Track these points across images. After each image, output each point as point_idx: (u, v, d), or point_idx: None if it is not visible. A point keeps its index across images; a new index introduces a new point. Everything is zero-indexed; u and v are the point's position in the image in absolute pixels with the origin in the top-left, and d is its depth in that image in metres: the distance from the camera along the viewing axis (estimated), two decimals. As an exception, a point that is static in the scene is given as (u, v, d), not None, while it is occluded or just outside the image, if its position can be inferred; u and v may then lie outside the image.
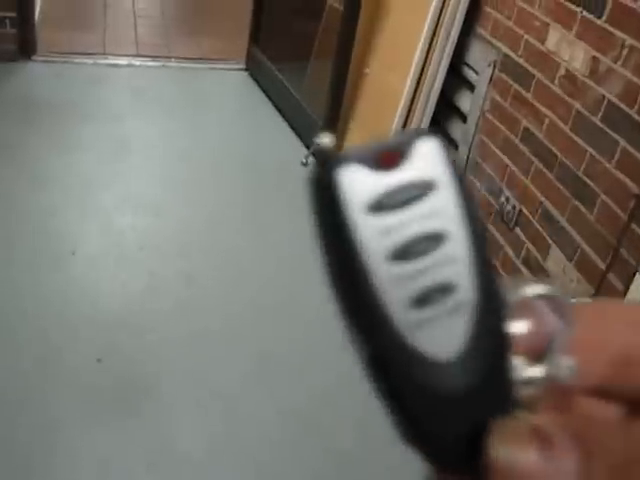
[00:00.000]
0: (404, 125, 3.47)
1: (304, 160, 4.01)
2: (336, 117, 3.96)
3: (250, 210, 3.61)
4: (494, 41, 3.17)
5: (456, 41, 3.33)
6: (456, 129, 3.42)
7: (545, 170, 2.77)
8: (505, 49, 3.08)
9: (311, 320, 2.87)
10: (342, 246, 0.32)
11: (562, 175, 2.68)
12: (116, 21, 5.79)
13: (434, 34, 3.34)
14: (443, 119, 3.49)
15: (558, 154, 2.70)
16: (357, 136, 3.87)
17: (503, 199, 2.97)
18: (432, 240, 0.32)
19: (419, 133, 0.32)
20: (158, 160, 3.93)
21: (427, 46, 3.35)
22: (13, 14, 4.63)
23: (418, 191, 0.32)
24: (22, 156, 3.74)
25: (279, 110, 4.58)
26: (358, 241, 0.32)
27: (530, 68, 2.90)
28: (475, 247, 0.32)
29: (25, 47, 4.80)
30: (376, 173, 0.32)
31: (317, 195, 0.33)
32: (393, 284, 0.32)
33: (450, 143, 3.46)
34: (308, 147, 4.09)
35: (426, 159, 0.32)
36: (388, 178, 0.32)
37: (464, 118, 3.36)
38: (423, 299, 0.32)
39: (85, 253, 3.14)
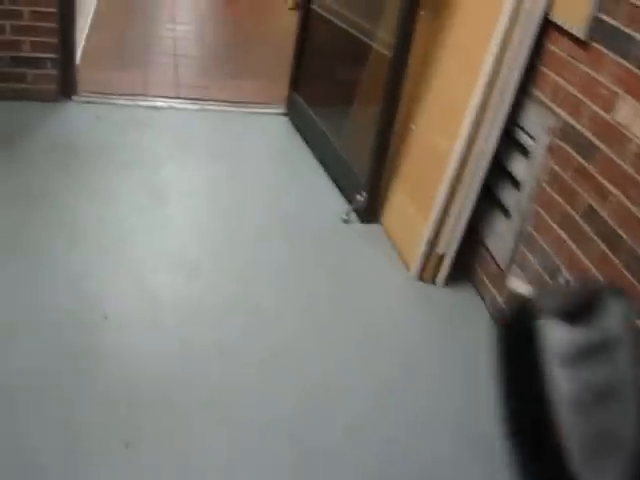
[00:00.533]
0: (452, 189, 3.19)
1: (345, 217, 3.73)
2: (379, 173, 3.68)
3: (289, 270, 3.33)
4: (553, 106, 2.87)
5: (511, 103, 3.05)
6: (508, 196, 3.13)
7: (610, 254, 2.46)
8: (565, 116, 2.79)
9: (352, 410, 2.60)
10: (532, 387, 0.38)
11: (631, 262, 2.37)
12: (157, 61, 5.56)
13: (487, 94, 3.05)
14: (494, 184, 3.20)
15: (626, 238, 2.40)
16: (401, 196, 3.59)
17: (562, 280, 2.67)
18: (606, 393, 0.37)
19: (607, 290, 0.30)
20: (195, 212, 3.67)
21: (479, 107, 3.07)
22: (54, 55, 4.42)
23: (602, 348, 0.37)
24: (54, 204, 3.50)
25: (319, 160, 4.31)
26: (549, 385, 0.36)
27: (595, 140, 2.60)
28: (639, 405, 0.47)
29: (66, 88, 4.58)
30: (568, 326, 0.38)
31: (513, 339, 0.42)
32: (571, 428, 0.36)
33: (502, 210, 3.18)
34: (350, 202, 3.81)
35: (612, 318, 0.38)
36: (578, 332, 0.37)
37: (517, 184, 3.07)
38: (593, 442, 0.37)
39: (116, 317, 2.86)
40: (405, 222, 3.52)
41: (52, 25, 4.34)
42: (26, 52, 4.38)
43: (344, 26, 4.36)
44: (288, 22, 7.20)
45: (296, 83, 4.79)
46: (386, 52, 3.71)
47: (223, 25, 6.93)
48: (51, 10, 4.30)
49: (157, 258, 3.24)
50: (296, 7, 7.58)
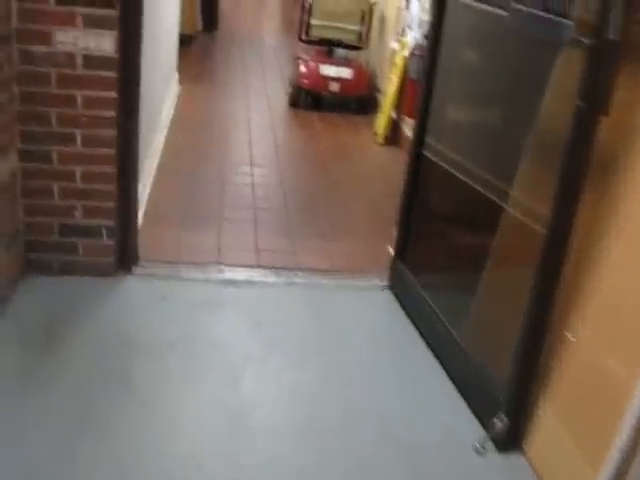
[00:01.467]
0: (637, 434, 2.45)
1: (478, 445, 3.00)
2: (525, 391, 2.96)
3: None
4: None
5: None
6: None
7: None
8: None
9: None
10: None
11: None
12: (233, 215, 4.99)
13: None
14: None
15: None
16: (553, 422, 2.86)
17: None
18: None
19: None
20: (288, 444, 2.93)
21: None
22: (111, 222, 3.85)
23: None
24: (102, 434, 2.84)
25: (435, 352, 3.62)
26: None
27: None
28: None
29: (124, 259, 4.01)
30: None
31: None
32: None
33: None
34: (482, 423, 3.09)
35: None
36: None
37: None
38: None
39: None
40: (562, 460, 2.79)
41: (109, 187, 3.79)
42: (78, 219, 3.83)
43: (465, 179, 3.60)
44: (379, 160, 6.70)
45: (402, 252, 4.14)
46: (521, 216, 3.05)
47: (306, 166, 6.38)
48: (108, 170, 3.76)
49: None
50: (387, 142, 7.07)
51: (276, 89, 8.92)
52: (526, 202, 3.10)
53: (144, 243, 4.16)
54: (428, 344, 3.70)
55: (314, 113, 7.97)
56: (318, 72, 8.03)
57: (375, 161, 6.71)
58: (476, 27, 3.57)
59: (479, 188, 3.42)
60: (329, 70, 8.04)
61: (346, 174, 6.17)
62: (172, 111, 6.97)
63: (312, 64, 8.12)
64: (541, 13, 2.70)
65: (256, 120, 7.50)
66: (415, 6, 6.81)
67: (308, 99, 8.16)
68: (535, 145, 3.06)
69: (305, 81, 8.07)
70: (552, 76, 2.87)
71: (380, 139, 7.14)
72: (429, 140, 3.93)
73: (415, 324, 3.87)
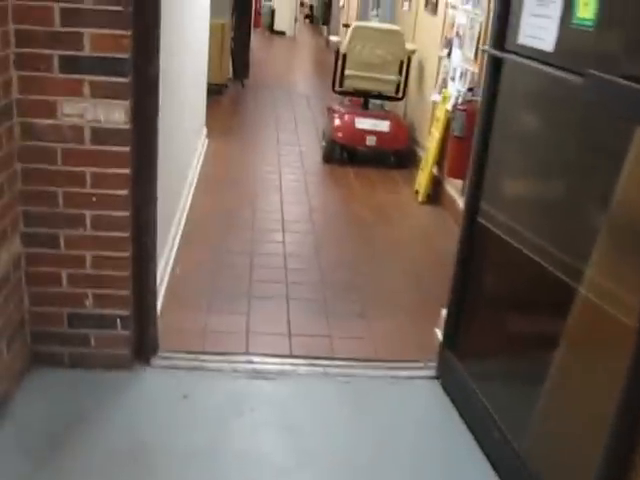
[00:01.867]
0: None
1: None
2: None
3: None
4: None
5: None
6: None
7: None
8: None
9: None
10: None
11: None
12: (263, 291, 4.62)
13: None
14: None
15: None
16: None
17: None
18: None
19: None
20: None
21: None
22: (125, 312, 3.49)
23: None
24: None
25: (490, 460, 3.18)
26: None
27: None
28: None
29: (141, 350, 3.65)
30: None
31: None
32: None
33: None
34: None
35: None
36: None
37: None
38: None
39: None
40: None
41: (123, 273, 3.45)
42: (89, 309, 3.49)
43: (527, 253, 3.13)
44: (422, 222, 6.33)
45: (452, 335, 3.72)
46: (600, 302, 2.63)
47: (343, 230, 6.02)
48: (122, 254, 3.41)
49: None
50: (429, 201, 6.68)
51: (309, 142, 8.61)
52: (607, 286, 2.68)
53: (164, 329, 3.81)
54: (482, 448, 3.28)
55: (349, 168, 7.62)
56: (353, 126, 7.67)
57: (418, 223, 6.32)
58: (541, 90, 3.19)
59: (545, 264, 3.00)
60: (365, 123, 7.68)
61: (387, 239, 5.78)
62: (199, 171, 6.64)
63: (347, 117, 7.77)
64: (623, 81, 2.30)
65: (288, 177, 7.17)
66: (457, 55, 6.45)
67: (343, 154, 7.81)
68: (615, 224, 2.66)
69: (340, 135, 7.71)
70: (632, 151, 2.48)
71: (421, 198, 6.75)
72: (485, 207, 3.52)
73: (467, 423, 3.45)
